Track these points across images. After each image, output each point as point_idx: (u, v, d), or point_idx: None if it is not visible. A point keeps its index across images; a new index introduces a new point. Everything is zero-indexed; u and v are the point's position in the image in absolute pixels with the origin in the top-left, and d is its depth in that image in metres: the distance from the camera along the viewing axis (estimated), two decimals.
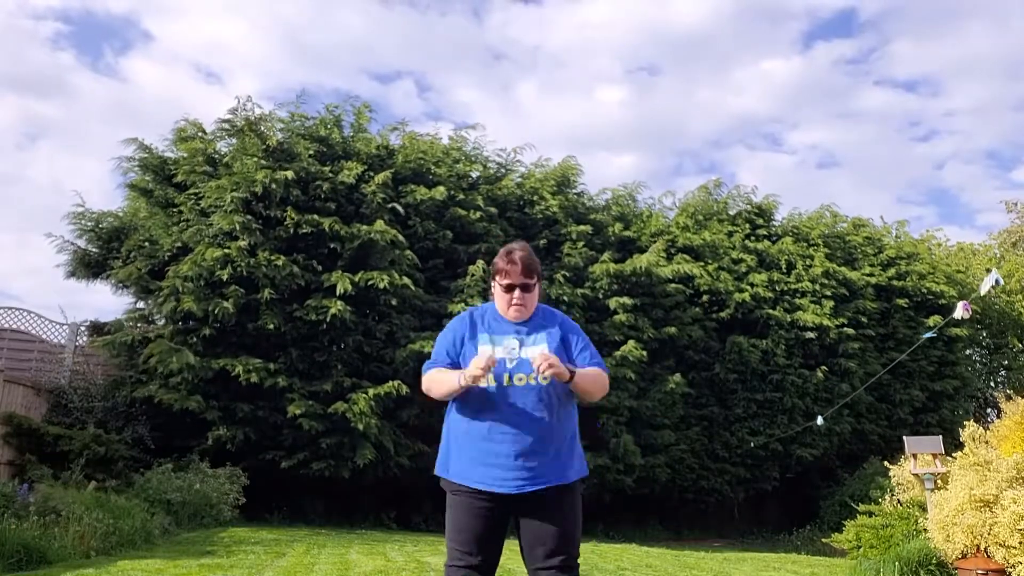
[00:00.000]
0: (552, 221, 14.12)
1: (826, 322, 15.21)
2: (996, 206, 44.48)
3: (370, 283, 11.57)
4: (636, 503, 14.31)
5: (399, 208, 12.51)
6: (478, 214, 13.13)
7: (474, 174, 14.36)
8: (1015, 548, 6.00)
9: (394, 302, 11.85)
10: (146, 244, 12.15)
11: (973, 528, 6.35)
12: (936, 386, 16.90)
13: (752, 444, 14.74)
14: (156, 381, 10.83)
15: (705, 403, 14.99)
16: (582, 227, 14.09)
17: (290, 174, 11.71)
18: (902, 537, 7.69)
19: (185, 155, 12.53)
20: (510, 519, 2.74)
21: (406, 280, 11.85)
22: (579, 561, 2.72)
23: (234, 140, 12.63)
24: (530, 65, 53.03)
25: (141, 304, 12.37)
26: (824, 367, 15.43)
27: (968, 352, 20.56)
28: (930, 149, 54.05)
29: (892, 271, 17.15)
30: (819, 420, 12.64)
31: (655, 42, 50.40)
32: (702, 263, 15.23)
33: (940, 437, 8.26)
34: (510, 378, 2.64)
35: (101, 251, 12.71)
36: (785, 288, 15.76)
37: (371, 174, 12.68)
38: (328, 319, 11.24)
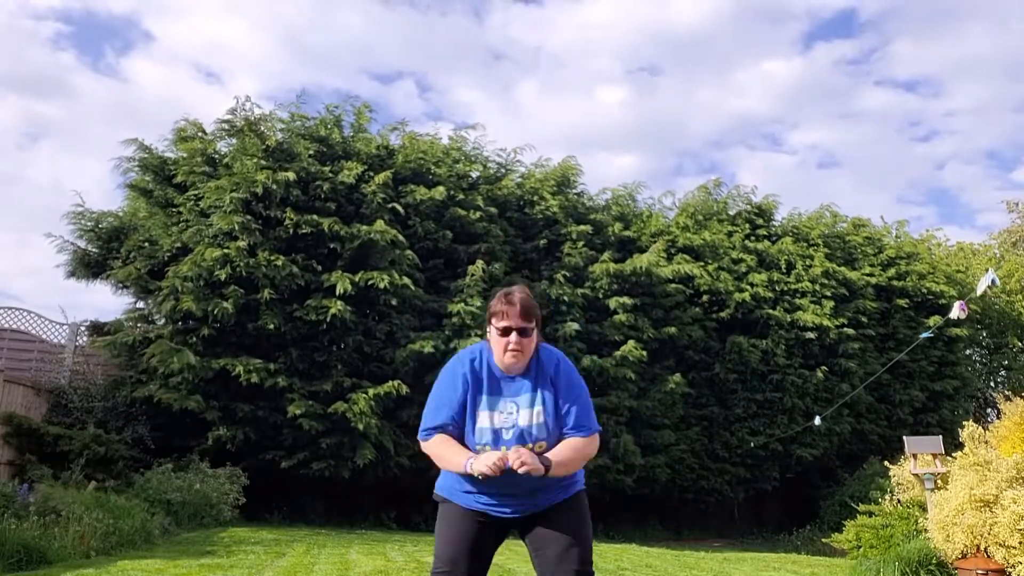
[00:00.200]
0: (552, 221, 14.12)
1: (826, 322, 15.22)
2: (996, 206, 44.51)
3: (370, 283, 11.57)
4: (636, 503, 14.31)
5: (399, 208, 12.50)
6: (478, 214, 13.13)
7: (474, 174, 14.36)
8: (1015, 548, 6.01)
9: (394, 302, 11.85)
10: (146, 244, 12.15)
11: (973, 528, 6.35)
12: (936, 386, 16.90)
13: (752, 444, 14.74)
14: (156, 381, 10.82)
15: (705, 403, 14.99)
16: (582, 227, 14.09)
17: (290, 174, 11.71)
18: (902, 537, 7.70)
19: (185, 155, 12.54)
20: (506, 536, 2.70)
21: (406, 280, 11.84)
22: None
23: (234, 140, 12.63)
24: (531, 65, 53.07)
25: (141, 304, 12.37)
26: (824, 367, 15.43)
27: (968, 352, 20.57)
28: (930, 149, 54.12)
29: (892, 271, 17.15)
30: (817, 420, 12.64)
31: (656, 42, 50.44)
32: (702, 263, 15.24)
33: (940, 437, 8.27)
34: (507, 447, 2.57)
35: (101, 251, 12.71)
36: (785, 288, 15.77)
37: (371, 174, 12.68)
38: (328, 319, 11.24)
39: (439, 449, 2.62)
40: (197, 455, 10.40)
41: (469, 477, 2.57)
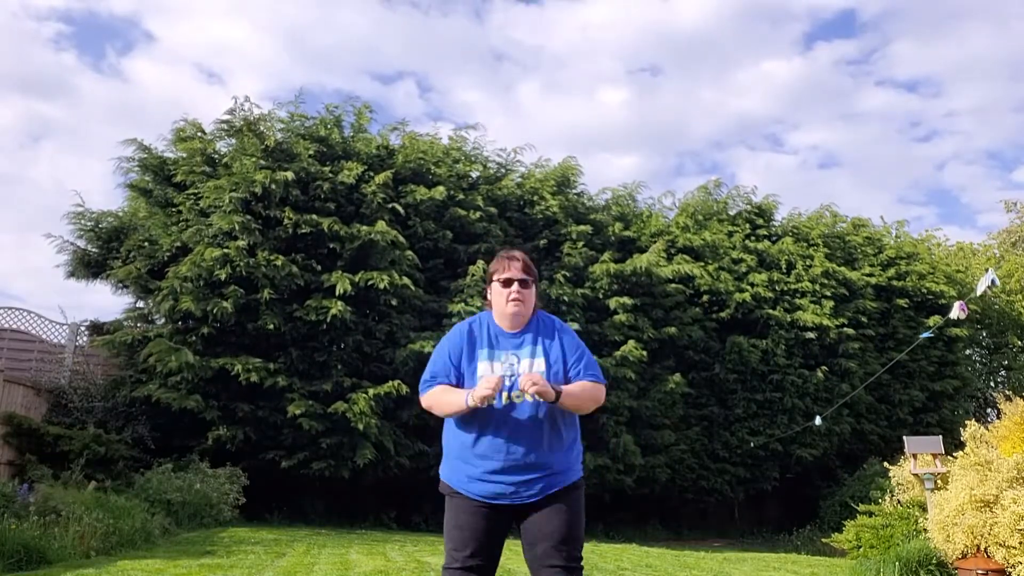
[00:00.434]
0: (552, 221, 14.12)
1: (826, 322, 15.22)
2: (997, 207, 44.41)
3: (370, 283, 11.57)
4: (636, 503, 14.31)
5: (399, 208, 12.50)
6: (478, 214, 13.13)
7: (474, 174, 14.36)
8: (1015, 548, 6.01)
9: (394, 302, 11.85)
10: (146, 244, 12.15)
11: (973, 528, 6.35)
12: (936, 386, 16.90)
13: (752, 444, 14.74)
14: (156, 381, 10.82)
15: (705, 403, 14.99)
16: (582, 227, 14.09)
17: (289, 174, 11.71)
18: (902, 537, 7.69)
19: (184, 155, 12.54)
20: (511, 524, 2.73)
21: (406, 280, 11.85)
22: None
23: (233, 140, 12.63)
24: (532, 66, 53.07)
25: (141, 304, 12.37)
26: (824, 367, 15.43)
27: (968, 352, 20.58)
28: (931, 149, 54.11)
29: (892, 271, 17.15)
30: (817, 420, 12.64)
31: (657, 43, 50.45)
32: (702, 263, 15.24)
33: (940, 437, 8.27)
34: (508, 395, 2.64)
35: (101, 251, 12.71)
36: (785, 288, 15.76)
37: (371, 174, 12.68)
38: (328, 319, 11.24)
39: (438, 395, 2.72)
40: (197, 455, 10.40)
41: (470, 429, 2.64)
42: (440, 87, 57.70)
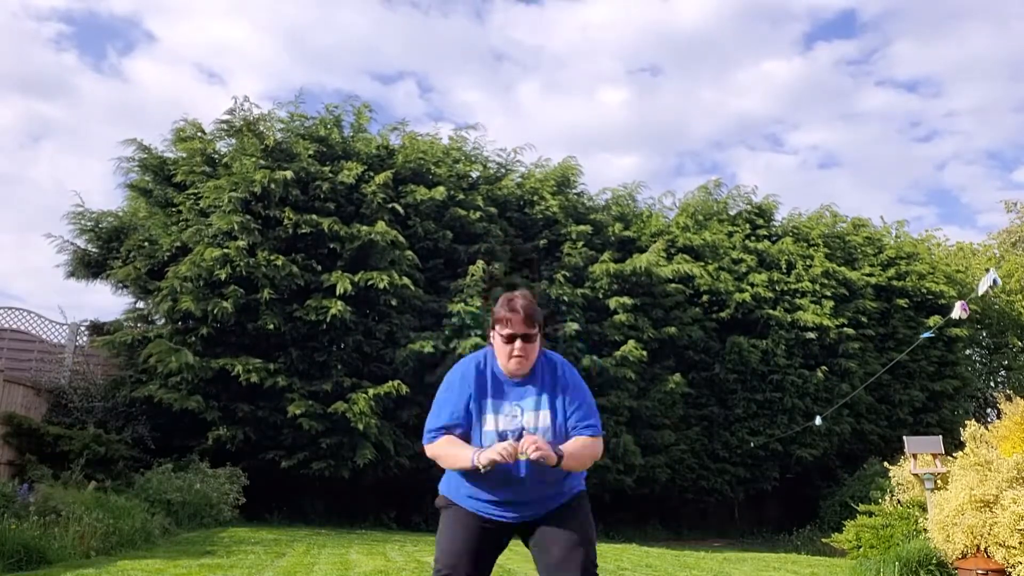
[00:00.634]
0: (552, 221, 14.12)
1: (826, 322, 15.22)
2: (997, 207, 44.44)
3: (370, 283, 11.57)
4: (636, 503, 14.31)
5: (399, 208, 12.50)
6: (478, 214, 13.12)
7: (474, 174, 14.36)
8: (1015, 548, 6.01)
9: (394, 302, 11.85)
10: (145, 244, 12.15)
11: (973, 528, 6.35)
12: (936, 386, 16.90)
13: (752, 444, 14.74)
14: (156, 381, 10.82)
15: (705, 403, 14.99)
16: (582, 227, 14.08)
17: (289, 174, 11.70)
18: (902, 537, 7.70)
19: (184, 155, 12.54)
20: (508, 542, 2.70)
21: (406, 280, 11.84)
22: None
23: (233, 140, 12.63)
24: (532, 66, 53.07)
25: (141, 304, 12.37)
26: (824, 367, 15.43)
27: (968, 352, 20.58)
28: (931, 149, 54.11)
29: (892, 271, 17.16)
30: (817, 420, 12.64)
31: (657, 43, 50.45)
32: (702, 263, 15.24)
33: (940, 437, 8.27)
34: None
35: (101, 251, 12.71)
36: (785, 288, 15.77)
37: (371, 174, 12.68)
38: (328, 319, 11.23)
39: (444, 448, 2.61)
40: (197, 455, 10.40)
41: (475, 482, 2.58)
42: (440, 87, 57.75)
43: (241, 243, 11.29)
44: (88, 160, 50.16)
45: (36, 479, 8.50)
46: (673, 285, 14.49)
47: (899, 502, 8.57)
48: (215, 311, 10.96)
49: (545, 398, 2.63)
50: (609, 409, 12.84)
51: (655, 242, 14.74)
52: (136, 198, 13.08)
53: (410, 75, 56.62)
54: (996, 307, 20.14)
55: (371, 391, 11.17)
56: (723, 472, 14.86)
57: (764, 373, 15.14)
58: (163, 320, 11.78)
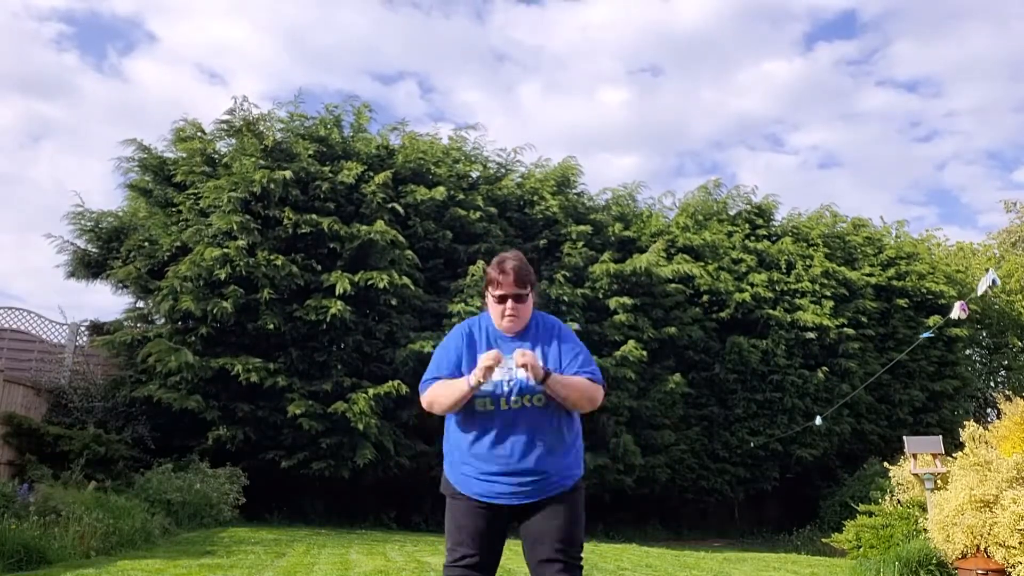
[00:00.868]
0: (552, 221, 14.12)
1: (826, 322, 15.21)
2: (997, 207, 44.42)
3: (370, 283, 11.57)
4: (636, 503, 14.31)
5: (399, 208, 12.50)
6: (478, 214, 13.12)
7: (474, 174, 14.36)
8: (1015, 548, 6.01)
9: (394, 302, 11.85)
10: (145, 244, 12.15)
11: (973, 528, 6.35)
12: (936, 386, 16.90)
13: (752, 444, 14.74)
14: (156, 381, 10.82)
15: (705, 403, 14.99)
16: (582, 227, 14.08)
17: (288, 174, 11.71)
18: (902, 537, 7.70)
19: (184, 155, 12.54)
20: (511, 524, 2.73)
21: (406, 280, 11.85)
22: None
23: (233, 140, 12.63)
24: (532, 66, 53.08)
25: (141, 304, 12.38)
26: (824, 367, 15.43)
27: (968, 352, 20.57)
28: (931, 149, 54.10)
29: (892, 271, 17.15)
30: (817, 420, 12.64)
31: (657, 43, 50.45)
32: (702, 263, 15.24)
33: (940, 437, 8.27)
34: (507, 400, 2.63)
35: (101, 251, 12.71)
36: (785, 288, 15.76)
37: (371, 174, 12.68)
38: (328, 319, 11.24)
39: (439, 389, 2.70)
40: (197, 455, 10.40)
41: (476, 436, 2.64)
42: (441, 87, 57.75)
43: (241, 243, 11.29)
44: (88, 160, 50.18)
45: (36, 479, 8.51)
46: (673, 285, 14.48)
47: (899, 502, 8.57)
48: (215, 311, 10.96)
49: (539, 350, 2.71)
50: (609, 409, 12.84)
51: (655, 242, 14.73)
52: (136, 198, 13.08)
53: (411, 75, 56.66)
54: (996, 307, 20.14)
55: (371, 391, 11.17)
56: (723, 472, 14.86)
57: (764, 373, 15.14)
58: (163, 320, 11.78)
